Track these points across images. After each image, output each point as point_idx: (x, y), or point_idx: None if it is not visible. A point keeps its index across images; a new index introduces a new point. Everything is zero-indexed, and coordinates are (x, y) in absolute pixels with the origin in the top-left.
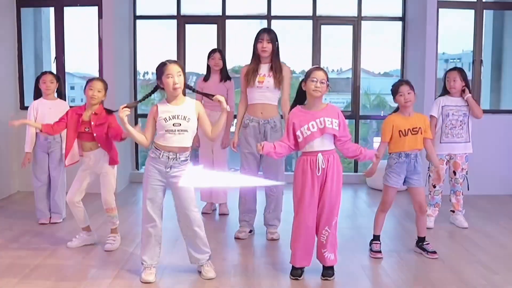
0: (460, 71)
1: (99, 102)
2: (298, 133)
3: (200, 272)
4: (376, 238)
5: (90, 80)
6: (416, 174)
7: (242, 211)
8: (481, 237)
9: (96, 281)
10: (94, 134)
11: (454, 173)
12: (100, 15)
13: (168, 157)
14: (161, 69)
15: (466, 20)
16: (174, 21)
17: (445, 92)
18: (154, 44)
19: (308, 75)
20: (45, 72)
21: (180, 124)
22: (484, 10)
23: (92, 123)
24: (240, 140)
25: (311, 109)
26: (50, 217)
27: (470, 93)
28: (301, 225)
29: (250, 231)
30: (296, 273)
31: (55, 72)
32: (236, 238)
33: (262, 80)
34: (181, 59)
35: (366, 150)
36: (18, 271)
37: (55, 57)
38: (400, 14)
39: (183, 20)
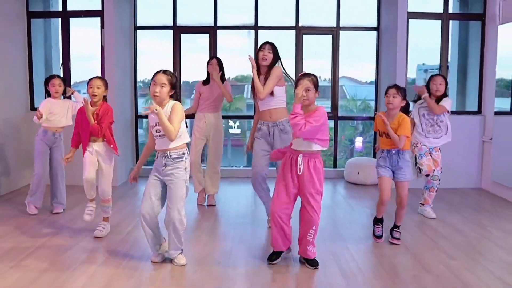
0: (443, 76)
1: (100, 99)
2: None
3: (171, 260)
4: (376, 221)
5: (90, 80)
6: (399, 169)
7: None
8: (445, 226)
9: (84, 266)
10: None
11: (433, 170)
12: (102, 25)
13: (163, 157)
14: (153, 76)
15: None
16: (171, 31)
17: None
18: (154, 52)
19: (295, 84)
20: (54, 76)
21: (160, 130)
22: (450, 21)
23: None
24: (254, 141)
25: (304, 112)
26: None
27: (446, 95)
28: (274, 212)
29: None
30: (271, 257)
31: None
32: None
33: None
34: (176, 65)
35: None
36: (17, 254)
37: (62, 63)
38: (375, 25)
39: (178, 30)
